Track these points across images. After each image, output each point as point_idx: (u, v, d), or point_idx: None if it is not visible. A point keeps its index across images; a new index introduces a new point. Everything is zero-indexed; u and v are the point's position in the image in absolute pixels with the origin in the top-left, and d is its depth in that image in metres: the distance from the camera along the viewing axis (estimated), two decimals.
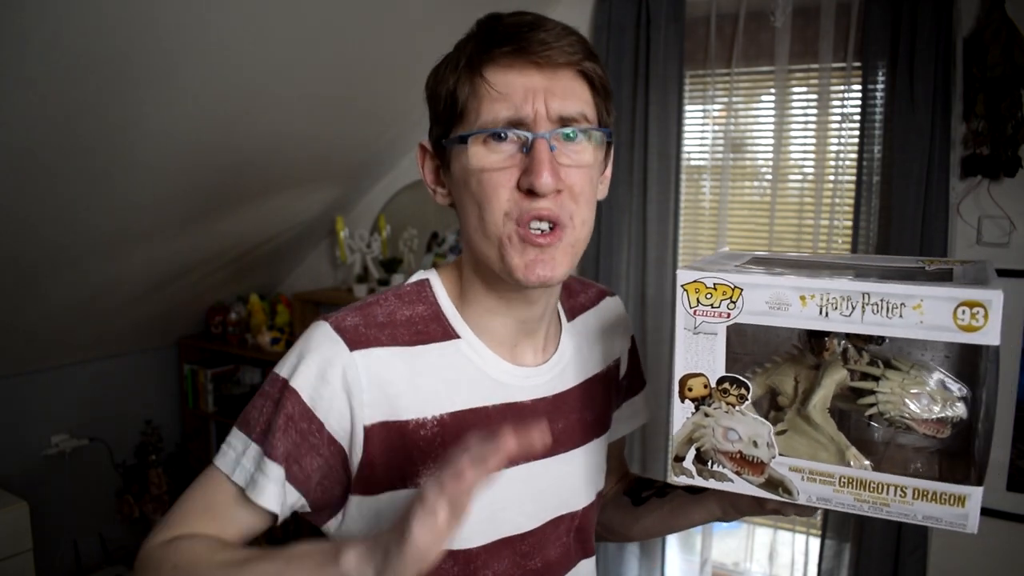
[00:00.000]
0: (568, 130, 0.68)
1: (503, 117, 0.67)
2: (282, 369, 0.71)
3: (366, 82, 2.14)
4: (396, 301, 0.75)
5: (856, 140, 1.99)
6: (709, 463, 0.66)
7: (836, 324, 0.58)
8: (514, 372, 0.77)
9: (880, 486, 0.59)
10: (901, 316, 0.56)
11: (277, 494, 0.68)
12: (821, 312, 0.59)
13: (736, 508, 0.80)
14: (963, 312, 0.54)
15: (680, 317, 0.65)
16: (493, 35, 0.68)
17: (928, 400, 0.59)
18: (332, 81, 2.04)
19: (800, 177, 2.17)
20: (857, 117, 1.99)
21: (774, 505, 0.71)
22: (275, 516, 0.70)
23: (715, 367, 0.64)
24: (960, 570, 1.99)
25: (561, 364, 0.82)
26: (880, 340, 0.60)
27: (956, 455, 0.60)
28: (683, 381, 0.65)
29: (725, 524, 2.41)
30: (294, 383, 0.69)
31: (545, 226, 0.68)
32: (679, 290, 0.64)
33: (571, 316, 0.88)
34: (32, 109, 1.54)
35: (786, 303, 0.60)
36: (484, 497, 0.72)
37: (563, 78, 0.68)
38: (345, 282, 2.98)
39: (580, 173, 0.69)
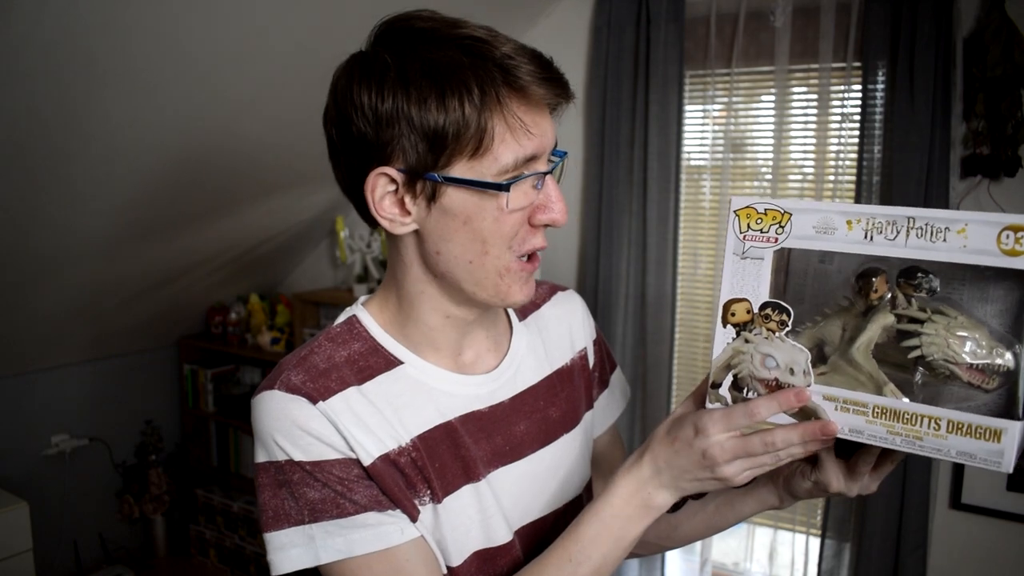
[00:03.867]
0: (557, 162, 0.70)
1: (527, 156, 0.66)
2: (275, 454, 0.68)
3: None
4: (330, 344, 0.74)
5: (856, 140, 1.99)
6: (745, 391, 0.65)
7: (880, 248, 0.58)
8: (465, 382, 0.77)
9: (914, 417, 0.57)
10: (945, 240, 0.56)
11: (406, 523, 0.69)
12: (866, 236, 0.59)
13: (792, 492, 0.78)
14: (1007, 236, 0.53)
15: (730, 243, 0.65)
16: (508, 67, 0.63)
17: (973, 344, 0.56)
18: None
19: (800, 177, 2.17)
20: (857, 117, 1.99)
21: (826, 479, 0.70)
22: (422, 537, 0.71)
23: (759, 292, 0.64)
24: (960, 570, 1.99)
25: (515, 366, 0.82)
26: (929, 291, 0.59)
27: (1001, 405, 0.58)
28: (727, 306, 0.66)
29: None
30: (294, 458, 0.67)
31: (526, 257, 0.71)
32: (731, 216, 0.65)
33: (522, 316, 0.88)
34: (27, 111, 1.54)
35: (832, 227, 0.60)
36: (456, 513, 0.73)
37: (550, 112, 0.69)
38: (345, 282, 2.99)
39: None
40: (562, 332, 0.90)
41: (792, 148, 2.16)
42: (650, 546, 0.95)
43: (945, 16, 1.81)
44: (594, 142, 2.31)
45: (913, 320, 0.59)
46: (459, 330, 0.76)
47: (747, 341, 0.65)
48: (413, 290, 0.74)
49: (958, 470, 1.95)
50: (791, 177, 2.17)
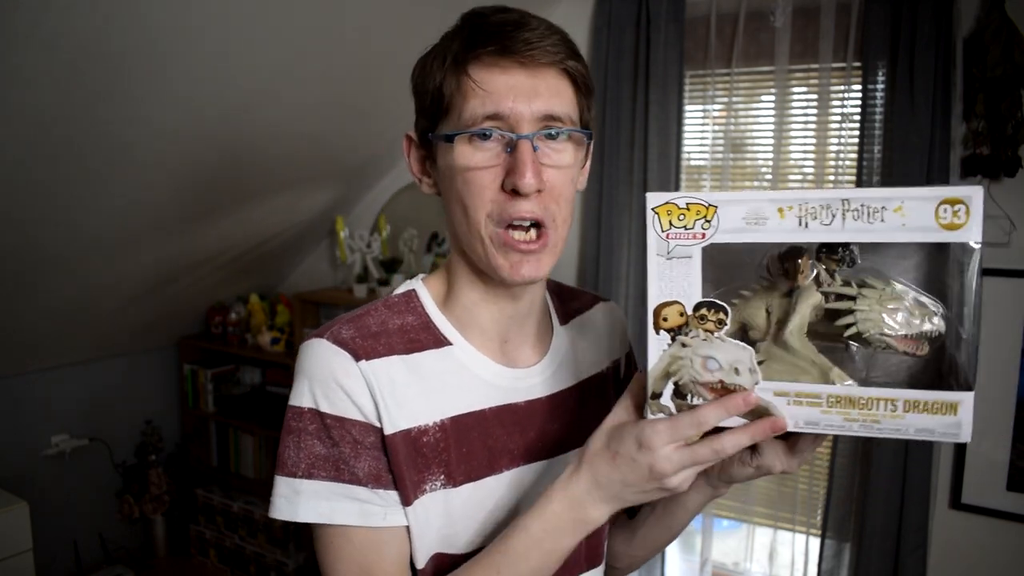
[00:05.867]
0: (550, 131, 0.70)
1: (486, 115, 0.68)
2: (302, 400, 0.70)
3: (366, 82, 2.14)
4: (386, 311, 0.76)
5: (856, 140, 1.99)
6: (688, 397, 0.62)
7: (816, 234, 0.56)
8: (506, 374, 0.78)
9: (869, 401, 0.57)
10: (883, 220, 0.54)
11: (395, 509, 0.70)
12: (800, 223, 0.57)
13: (731, 480, 0.76)
14: (945, 210, 0.53)
15: (652, 243, 0.61)
16: (478, 33, 0.69)
17: (906, 315, 0.56)
18: (332, 81, 2.04)
19: (800, 177, 2.17)
20: (857, 117, 1.99)
21: (768, 463, 0.68)
22: (407, 527, 0.71)
23: (691, 293, 0.60)
24: (960, 570, 1.99)
25: (554, 364, 0.83)
26: (851, 263, 0.57)
27: (937, 371, 0.57)
28: (657, 311, 0.61)
29: (725, 523, 2.41)
30: (319, 408, 0.69)
31: (532, 233, 0.70)
32: (649, 215, 0.60)
33: (564, 320, 0.89)
34: (27, 111, 1.54)
35: (763, 217, 0.57)
36: (474, 502, 0.73)
37: (547, 77, 0.69)
38: (345, 282, 2.99)
39: (561, 174, 0.71)
40: (600, 340, 0.91)
41: (792, 148, 2.16)
42: (621, 556, 0.94)
43: (945, 16, 1.81)
44: (595, 142, 2.31)
45: (842, 297, 0.58)
46: (500, 311, 0.78)
47: (684, 345, 0.61)
48: (453, 262, 0.78)
49: (958, 470, 1.95)
50: (791, 177, 2.17)
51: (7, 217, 1.81)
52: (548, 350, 0.83)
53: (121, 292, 2.47)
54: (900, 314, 0.56)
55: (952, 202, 0.52)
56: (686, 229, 0.60)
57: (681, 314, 0.61)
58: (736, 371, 0.60)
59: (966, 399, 0.54)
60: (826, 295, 0.58)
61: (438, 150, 0.73)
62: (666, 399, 0.63)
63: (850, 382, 0.58)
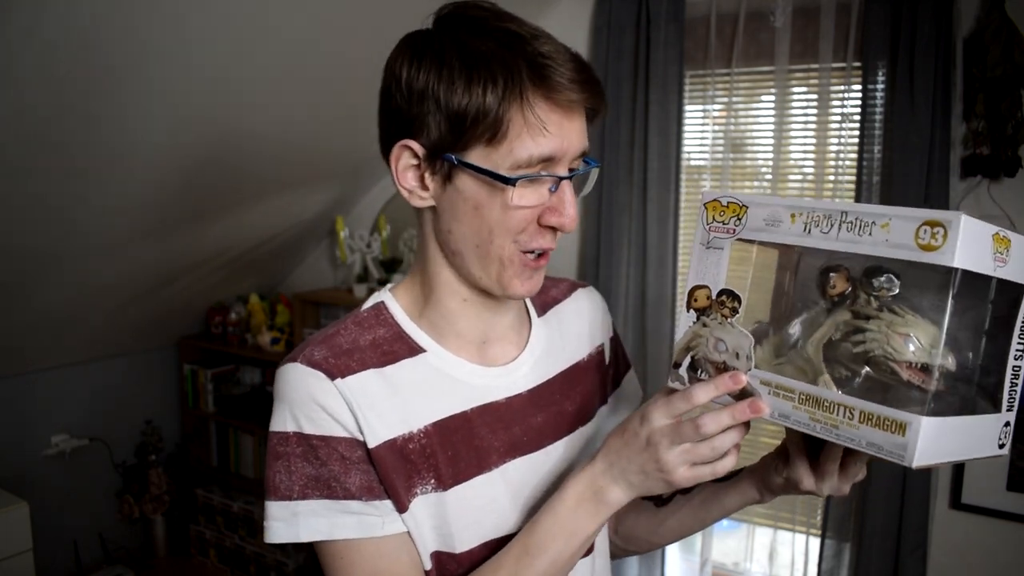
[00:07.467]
0: (581, 169, 0.72)
1: (542, 156, 0.67)
2: (285, 425, 0.71)
3: (366, 82, 2.13)
4: (356, 328, 0.76)
5: (856, 140, 1.99)
6: (699, 371, 0.68)
7: (815, 240, 0.61)
8: (484, 373, 0.79)
9: (832, 406, 0.59)
10: (870, 234, 0.57)
11: (391, 516, 0.71)
12: (805, 229, 0.61)
13: (768, 487, 0.79)
14: (924, 231, 0.54)
15: (698, 233, 0.70)
16: (540, 67, 0.65)
17: (915, 345, 0.57)
18: (332, 81, 2.04)
19: (800, 177, 2.17)
20: (857, 117, 1.99)
21: (796, 476, 0.72)
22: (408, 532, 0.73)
23: (718, 280, 0.67)
24: (960, 570, 1.99)
25: (532, 358, 0.84)
26: (888, 290, 0.59)
27: (898, 391, 0.59)
28: (691, 292, 0.69)
29: (725, 524, 2.41)
30: (303, 430, 0.70)
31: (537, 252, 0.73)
32: (700, 208, 0.69)
33: (542, 311, 0.89)
34: (25, 112, 1.54)
35: (779, 220, 0.63)
36: (466, 502, 0.74)
37: (582, 117, 0.71)
38: (345, 282, 2.99)
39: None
40: (580, 327, 0.91)
41: (792, 148, 2.16)
42: (641, 542, 0.96)
43: (945, 16, 1.81)
44: (594, 142, 2.31)
45: (865, 317, 0.60)
46: (479, 316, 0.78)
47: (705, 325, 0.68)
48: (432, 271, 0.77)
49: (958, 470, 1.95)
50: (791, 177, 2.17)
51: (6, 217, 1.81)
52: (526, 344, 0.84)
53: (121, 292, 2.47)
54: (909, 342, 0.57)
55: (932, 224, 0.54)
56: (723, 224, 0.67)
57: (708, 297, 0.68)
58: (736, 355, 0.65)
59: (915, 422, 0.54)
60: (855, 314, 0.61)
61: (459, 172, 0.69)
62: (683, 370, 0.70)
63: (834, 389, 0.61)
